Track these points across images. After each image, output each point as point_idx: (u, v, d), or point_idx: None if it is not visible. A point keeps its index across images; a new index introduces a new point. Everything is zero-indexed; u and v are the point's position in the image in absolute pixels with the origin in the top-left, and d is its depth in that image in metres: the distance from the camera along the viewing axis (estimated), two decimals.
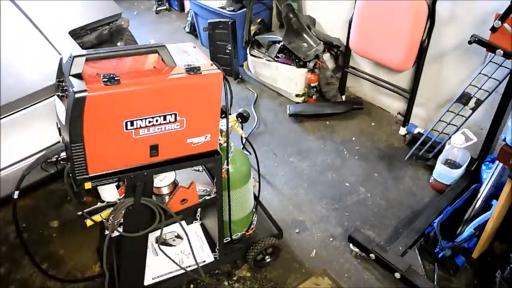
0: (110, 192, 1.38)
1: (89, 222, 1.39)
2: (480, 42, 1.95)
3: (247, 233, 1.89)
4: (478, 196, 2.00)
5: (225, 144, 1.57)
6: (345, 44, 2.90)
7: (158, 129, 1.23)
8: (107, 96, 1.12)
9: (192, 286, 1.87)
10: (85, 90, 1.08)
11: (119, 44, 2.39)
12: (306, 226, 2.17)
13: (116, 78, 1.11)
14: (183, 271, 1.71)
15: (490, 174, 1.96)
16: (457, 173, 2.24)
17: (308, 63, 2.94)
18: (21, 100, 1.81)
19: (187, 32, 4.23)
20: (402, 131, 2.76)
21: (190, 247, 1.57)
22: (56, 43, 2.01)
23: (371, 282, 1.89)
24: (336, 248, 2.06)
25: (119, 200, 1.39)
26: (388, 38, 2.51)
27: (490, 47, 1.95)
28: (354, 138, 2.77)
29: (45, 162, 1.25)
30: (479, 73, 2.19)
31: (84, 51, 1.18)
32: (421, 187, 2.38)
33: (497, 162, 1.88)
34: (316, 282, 1.89)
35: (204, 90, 1.27)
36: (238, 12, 3.25)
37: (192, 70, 1.22)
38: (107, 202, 1.41)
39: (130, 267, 1.56)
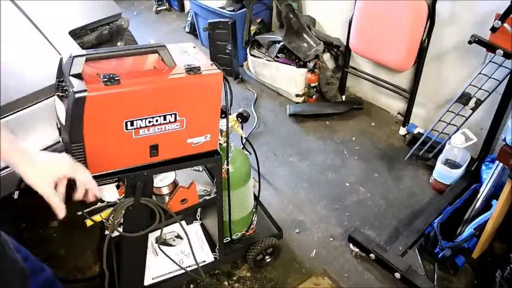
0: (110, 192, 1.38)
1: (89, 222, 1.39)
2: (480, 42, 1.95)
3: (247, 233, 1.89)
4: (478, 196, 2.00)
5: (225, 144, 1.57)
6: (345, 44, 2.90)
7: (158, 129, 1.23)
8: (107, 96, 1.12)
9: (192, 286, 1.87)
10: (85, 90, 1.08)
11: (119, 44, 2.39)
12: (306, 226, 2.17)
13: (115, 78, 1.11)
14: (183, 271, 1.71)
15: (490, 174, 1.96)
16: (457, 173, 2.24)
17: (308, 63, 2.94)
18: (21, 100, 1.81)
19: (187, 32, 4.23)
20: (402, 131, 2.76)
21: (190, 247, 1.57)
22: (56, 43, 2.01)
23: (371, 282, 1.89)
24: (336, 248, 2.06)
25: (119, 200, 1.39)
26: (388, 38, 2.51)
27: (490, 47, 1.95)
28: (354, 138, 2.77)
29: None
30: (479, 73, 2.18)
31: (84, 51, 1.17)
32: (421, 187, 2.38)
33: (497, 162, 1.88)
34: (316, 282, 1.89)
35: (204, 90, 1.27)
36: (238, 12, 3.26)
37: (192, 70, 1.22)
38: (107, 202, 1.40)
39: (130, 267, 1.56)
